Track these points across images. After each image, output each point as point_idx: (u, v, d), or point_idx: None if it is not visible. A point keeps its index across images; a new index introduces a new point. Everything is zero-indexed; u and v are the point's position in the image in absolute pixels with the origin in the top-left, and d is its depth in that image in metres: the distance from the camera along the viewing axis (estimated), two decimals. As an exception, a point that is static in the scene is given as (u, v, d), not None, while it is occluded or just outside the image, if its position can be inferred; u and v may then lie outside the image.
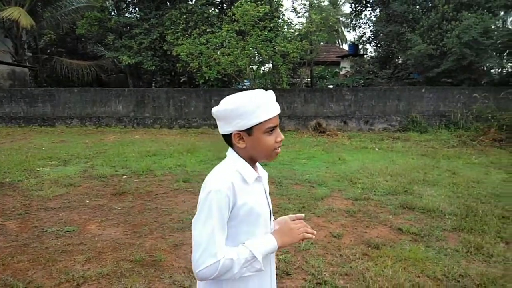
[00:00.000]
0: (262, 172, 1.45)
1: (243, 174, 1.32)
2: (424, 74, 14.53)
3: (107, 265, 3.35)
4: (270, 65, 15.18)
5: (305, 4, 14.43)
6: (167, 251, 3.64)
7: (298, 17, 21.21)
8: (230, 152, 1.38)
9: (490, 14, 13.31)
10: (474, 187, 5.95)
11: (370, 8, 19.09)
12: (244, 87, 17.26)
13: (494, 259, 3.47)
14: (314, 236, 1.44)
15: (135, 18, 17.18)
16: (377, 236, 4.07)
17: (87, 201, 5.23)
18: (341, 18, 32.29)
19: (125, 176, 6.62)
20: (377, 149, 9.88)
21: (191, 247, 3.83)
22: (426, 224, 4.38)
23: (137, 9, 17.73)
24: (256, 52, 13.41)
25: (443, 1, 13.94)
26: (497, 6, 13.44)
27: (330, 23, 13.23)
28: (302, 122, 13.79)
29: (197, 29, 13.63)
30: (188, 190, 5.81)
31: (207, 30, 14.12)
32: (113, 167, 7.30)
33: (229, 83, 16.63)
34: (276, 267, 3.30)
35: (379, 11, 18.70)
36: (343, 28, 35.24)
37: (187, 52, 12.79)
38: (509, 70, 15.95)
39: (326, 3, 22.10)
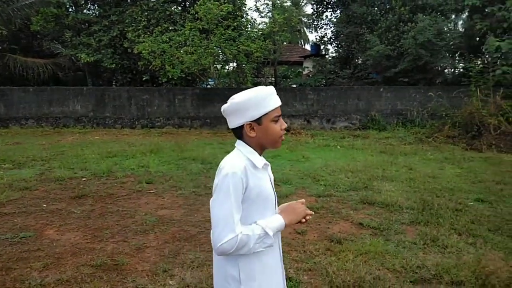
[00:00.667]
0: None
1: (252, 160, 1.48)
2: (382, 74, 15.07)
3: (67, 271, 3.22)
4: (235, 64, 15.16)
5: (268, 4, 14.55)
6: (130, 255, 3.56)
7: (261, 16, 21.40)
8: (239, 143, 1.53)
9: (442, 17, 14.02)
10: (429, 182, 6.26)
11: (331, 9, 19.53)
12: (209, 86, 17.15)
13: (449, 250, 3.67)
14: (313, 214, 1.66)
15: (93, 14, 16.56)
16: (339, 231, 4.19)
17: (44, 205, 5.00)
18: (303, 19, 32.76)
19: (84, 179, 6.39)
20: (339, 147, 10.15)
21: (155, 249, 3.75)
22: (385, 218, 4.55)
23: (96, 5, 17.09)
24: (220, 51, 13.35)
25: (400, 3, 14.53)
26: (448, 9, 14.16)
27: (293, 24, 13.40)
28: (267, 121, 13.87)
29: (159, 27, 13.37)
30: (151, 191, 5.70)
31: (170, 28, 13.88)
32: (72, 169, 7.02)
33: (193, 82, 16.45)
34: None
35: (340, 13, 19.17)
36: (305, 28, 35.80)
37: (149, 50, 12.52)
38: (461, 70, 16.88)
39: (289, 3, 22.36)
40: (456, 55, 17.15)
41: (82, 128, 13.57)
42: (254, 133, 1.48)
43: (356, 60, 17.88)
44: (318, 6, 19.40)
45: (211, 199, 1.43)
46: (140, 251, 3.65)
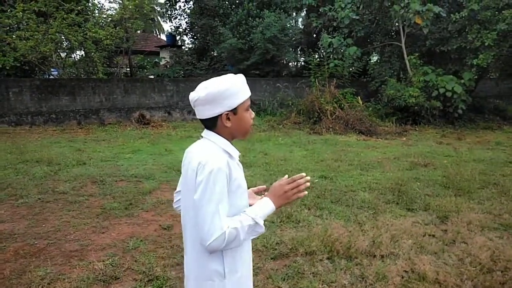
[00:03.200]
0: None
1: (229, 151, 1.46)
2: (236, 66, 15.80)
3: None
4: (83, 52, 13.70)
5: (116, -11, 13.55)
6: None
7: (110, 2, 19.77)
8: (210, 134, 1.48)
9: (285, 14, 15.43)
10: (282, 164, 6.90)
11: (184, 0, 19.37)
12: (52, 77, 15.11)
13: (301, 224, 4.13)
14: (306, 193, 1.54)
15: None
16: (205, 221, 4.27)
17: None
18: (156, 7, 31.66)
19: None
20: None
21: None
22: (247, 203, 4.83)
23: None
24: (63, 37, 11.88)
25: (248, -1, 15.37)
26: (290, 7, 15.65)
27: (145, 11, 12.81)
28: (124, 114, 13.08)
29: (-21, 6, 11.11)
30: (-18, 204, 4.77)
31: (-6, 8, 11.66)
32: None
33: (31, 72, 14.24)
34: (103, 273, 3.09)
35: (193, 4, 19.18)
36: (159, 18, 34.71)
37: (-33, 33, 10.31)
38: (302, 63, 18.95)
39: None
40: (298, 49, 19.18)
41: None
42: (229, 123, 1.45)
43: (212, 52, 18.26)
44: (170, -5, 18.99)
45: (196, 197, 1.36)
46: (-29, 277, 3.04)
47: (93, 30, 11.32)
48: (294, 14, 19.77)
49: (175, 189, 5.38)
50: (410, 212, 4.54)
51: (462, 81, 12.17)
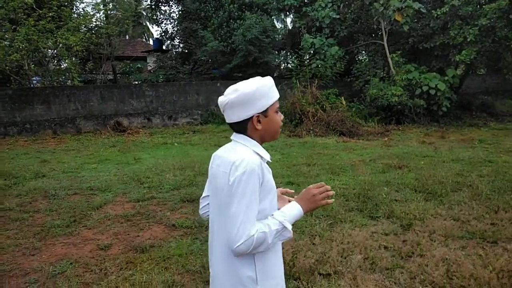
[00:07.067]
0: None
1: (261, 154, 1.43)
2: (220, 69, 15.50)
3: None
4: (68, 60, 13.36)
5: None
6: None
7: (93, 8, 19.40)
8: (241, 137, 1.46)
9: (267, 16, 15.14)
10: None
11: (166, 4, 19.09)
12: (34, 85, 14.75)
13: (251, 238, 3.79)
14: (333, 201, 1.52)
15: None
16: (149, 237, 3.96)
17: None
18: (144, 12, 31.36)
19: None
20: (176, 144, 9.96)
21: None
22: (200, 216, 4.51)
23: None
24: (33, 44, 11.55)
25: (229, 0, 15.08)
26: (272, 8, 15.37)
27: (120, 16, 12.49)
28: (101, 121, 12.74)
29: None
30: None
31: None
32: None
33: (7, 82, 13.90)
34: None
35: (176, 8, 18.91)
36: (147, 22, 34.39)
37: None
38: (289, 65, 18.66)
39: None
40: (284, 51, 18.89)
41: None
42: (260, 126, 1.43)
43: (196, 56, 17.97)
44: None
45: (226, 197, 1.36)
46: None
47: (63, 37, 11.00)
48: (282, 16, 19.49)
49: (129, 201, 4.96)
50: (372, 220, 4.22)
51: (446, 78, 11.90)
